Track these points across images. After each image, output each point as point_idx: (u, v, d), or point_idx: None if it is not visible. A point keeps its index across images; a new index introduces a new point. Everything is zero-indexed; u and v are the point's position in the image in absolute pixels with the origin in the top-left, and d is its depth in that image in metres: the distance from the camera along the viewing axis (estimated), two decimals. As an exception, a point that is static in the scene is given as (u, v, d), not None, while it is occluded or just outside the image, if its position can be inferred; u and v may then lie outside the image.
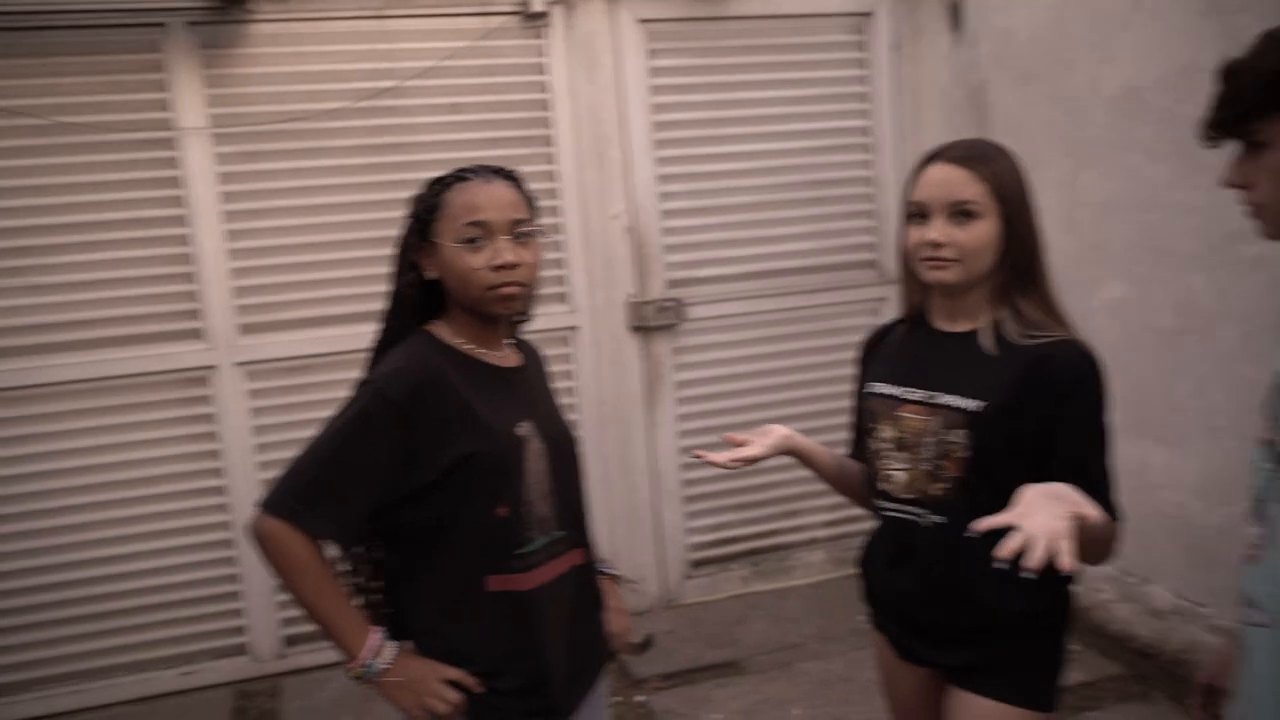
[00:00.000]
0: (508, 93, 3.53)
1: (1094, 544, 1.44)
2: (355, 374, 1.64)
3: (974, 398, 1.58)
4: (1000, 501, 1.51)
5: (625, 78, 3.61)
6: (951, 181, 1.60)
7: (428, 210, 1.57)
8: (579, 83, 3.57)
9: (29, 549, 3.28)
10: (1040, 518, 1.26)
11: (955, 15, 3.71)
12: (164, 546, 3.40)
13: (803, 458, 1.88)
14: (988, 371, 1.59)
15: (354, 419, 1.50)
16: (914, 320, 1.76)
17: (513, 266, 1.52)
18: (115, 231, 3.26)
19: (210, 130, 3.27)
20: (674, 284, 3.77)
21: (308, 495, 1.48)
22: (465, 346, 1.59)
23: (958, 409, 1.59)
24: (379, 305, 1.70)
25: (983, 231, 1.58)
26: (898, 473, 1.67)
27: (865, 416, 1.76)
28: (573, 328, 3.65)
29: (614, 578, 1.81)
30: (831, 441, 3.88)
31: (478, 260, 1.52)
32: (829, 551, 4.04)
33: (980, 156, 1.61)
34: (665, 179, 3.71)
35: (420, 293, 1.60)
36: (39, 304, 3.22)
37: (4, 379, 3.20)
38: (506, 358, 1.65)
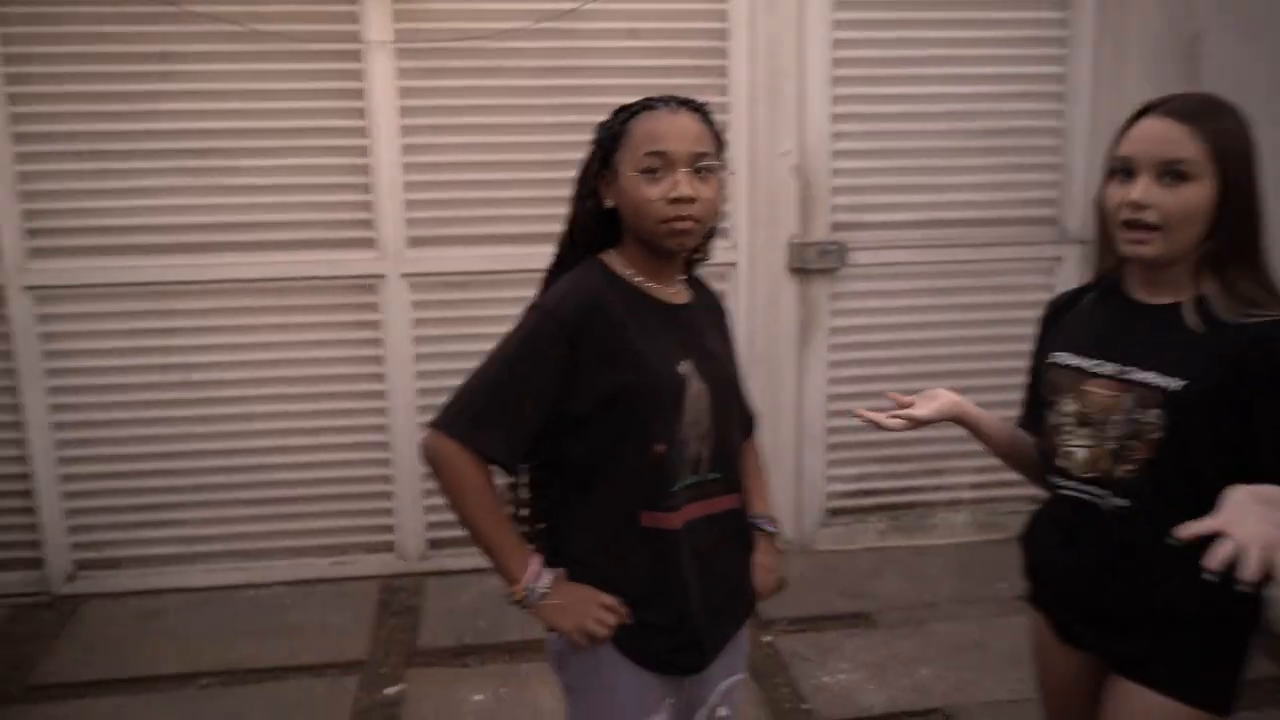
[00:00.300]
0: (685, 20, 3.46)
1: None
2: (515, 293, 1.66)
3: (1174, 376, 1.47)
4: (1192, 489, 1.43)
5: (807, 11, 3.48)
6: (1165, 137, 1.46)
7: (611, 137, 1.56)
8: (759, 13, 3.47)
9: (204, 433, 3.51)
10: (1252, 525, 1.16)
11: (1174, -44, 3.42)
12: (325, 443, 3.58)
13: (971, 427, 1.81)
14: (1191, 349, 1.48)
15: (522, 342, 1.52)
16: (1106, 287, 1.65)
17: (689, 201, 1.49)
18: (300, 139, 3.38)
19: (395, 45, 3.34)
20: (838, 227, 3.67)
21: (477, 416, 1.51)
22: (635, 279, 1.58)
23: (1154, 387, 1.49)
24: (543, 227, 1.71)
25: (1193, 196, 1.44)
26: (1079, 450, 1.58)
27: (1046, 388, 1.66)
28: (731, 264, 3.61)
29: (768, 534, 1.78)
30: (991, 404, 3.75)
31: (654, 191, 1.49)
32: (973, 514, 3.93)
33: (1203, 112, 1.47)
34: (839, 118, 3.59)
35: (597, 220, 1.60)
36: (225, 204, 3.39)
37: (190, 273, 3.40)
38: (676, 294, 1.63)
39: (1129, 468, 1.52)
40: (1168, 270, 1.52)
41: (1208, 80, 3.28)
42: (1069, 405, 1.60)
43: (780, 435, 3.75)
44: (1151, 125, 1.49)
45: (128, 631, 3.33)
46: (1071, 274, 3.75)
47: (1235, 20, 3.19)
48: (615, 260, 1.60)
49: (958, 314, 3.78)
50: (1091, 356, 1.59)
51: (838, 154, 3.61)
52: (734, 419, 1.68)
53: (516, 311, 1.58)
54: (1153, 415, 1.49)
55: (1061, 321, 1.71)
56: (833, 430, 3.81)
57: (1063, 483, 1.62)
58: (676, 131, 1.50)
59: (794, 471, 3.81)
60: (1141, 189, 1.47)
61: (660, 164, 1.49)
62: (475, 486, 1.52)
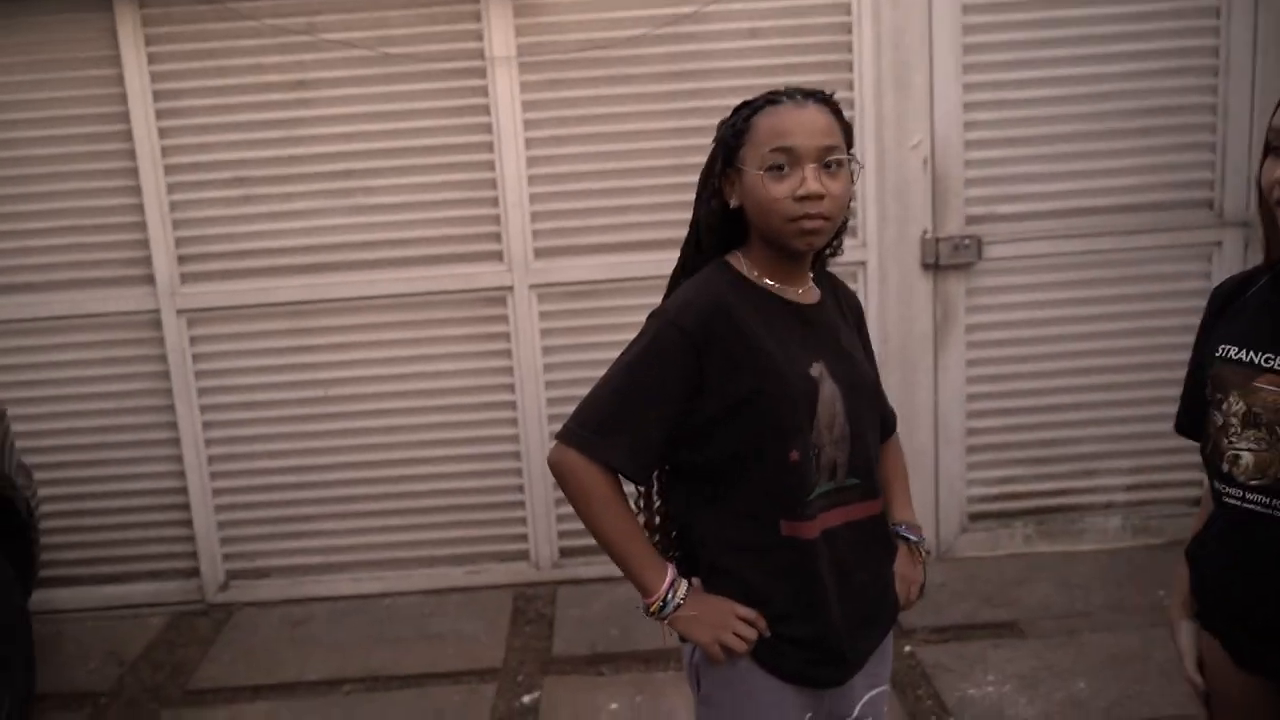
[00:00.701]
0: (807, 16, 3.39)
1: None
2: (641, 300, 1.63)
3: None
4: None
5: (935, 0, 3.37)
6: None
7: (735, 134, 1.50)
8: (883, 3, 3.37)
9: (344, 445, 3.62)
10: None
11: (1340, -88, 3.16)
12: (459, 454, 3.64)
13: None
14: None
15: (645, 350, 1.49)
16: (1278, 272, 1.48)
17: (819, 198, 1.43)
18: (430, 157, 3.46)
19: (518, 59, 3.38)
20: (973, 220, 3.52)
21: (602, 426, 1.48)
22: (763, 280, 1.53)
23: None
24: (666, 233, 1.68)
25: None
26: (1245, 453, 1.42)
27: (1210, 385, 1.51)
28: (861, 262, 3.51)
29: (910, 542, 1.69)
30: (1144, 401, 3.58)
31: (781, 189, 1.43)
32: (1127, 517, 3.71)
33: None
34: (972, 106, 3.44)
35: (723, 221, 1.55)
36: (361, 223, 3.49)
37: (329, 290, 3.51)
38: (806, 294, 1.56)
39: None
40: None
41: (1383, 43, 3.01)
42: (1236, 404, 1.44)
43: (917, 437, 3.62)
44: None
45: (277, 639, 3.45)
46: (1232, 260, 3.51)
47: None
48: (741, 262, 1.54)
49: (1104, 307, 3.57)
50: (1263, 350, 1.43)
51: (970, 144, 3.47)
52: (872, 422, 1.61)
53: (642, 319, 1.55)
54: None
55: (1228, 311, 1.55)
56: (972, 431, 3.66)
57: (1229, 490, 1.46)
58: (803, 125, 1.44)
59: (932, 475, 3.67)
60: None
61: (786, 160, 1.43)
62: (603, 498, 1.49)
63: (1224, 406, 1.47)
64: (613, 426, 1.48)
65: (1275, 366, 1.41)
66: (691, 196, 1.60)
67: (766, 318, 1.50)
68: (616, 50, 3.37)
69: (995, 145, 3.48)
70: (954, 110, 3.44)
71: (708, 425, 1.48)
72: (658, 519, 1.63)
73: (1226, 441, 1.46)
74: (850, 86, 3.41)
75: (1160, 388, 3.57)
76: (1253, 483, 1.42)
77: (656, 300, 1.60)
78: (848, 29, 3.39)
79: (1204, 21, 3.41)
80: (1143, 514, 3.70)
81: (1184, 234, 3.54)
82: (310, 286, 3.51)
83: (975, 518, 3.73)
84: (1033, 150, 3.48)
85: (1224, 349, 1.49)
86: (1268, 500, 1.40)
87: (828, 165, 1.44)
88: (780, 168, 1.43)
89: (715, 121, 1.58)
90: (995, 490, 3.72)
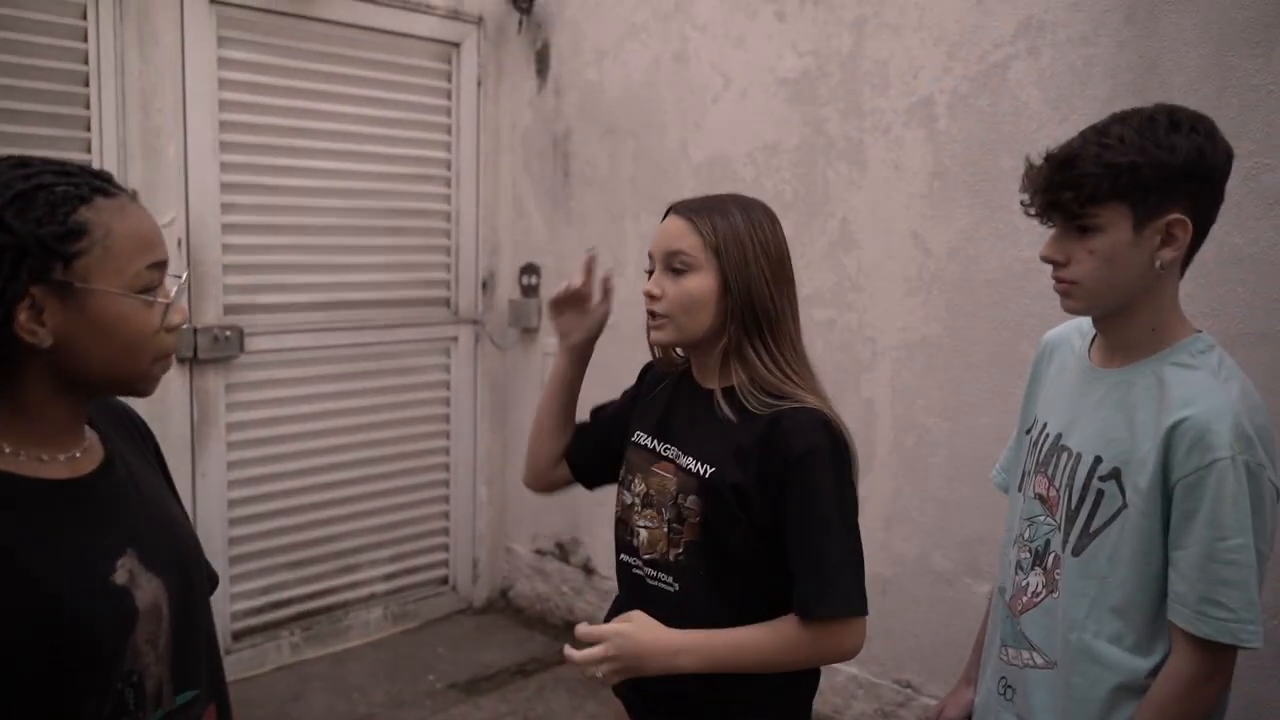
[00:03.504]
0: (34, 55, 2.76)
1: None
2: None
3: (706, 463, 1.50)
4: (732, 576, 1.50)
5: (189, 64, 3.03)
6: (671, 232, 1.52)
7: (64, 236, 1.00)
8: (130, 59, 2.92)
9: None
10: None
11: (541, 61, 3.73)
12: None
13: (579, 364, 1.75)
14: (723, 436, 1.50)
15: None
16: (682, 369, 1.67)
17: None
18: None
19: None
20: (232, 309, 3.24)
21: None
22: (18, 459, 1.04)
23: (692, 472, 1.51)
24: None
25: (693, 286, 1.49)
26: (644, 530, 1.57)
27: (624, 467, 1.64)
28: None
29: None
30: (403, 490, 3.66)
31: (156, 318, 1.07)
32: (387, 607, 3.75)
33: (708, 209, 1.52)
34: (230, 188, 3.18)
35: None
36: None
37: None
38: (86, 456, 1.11)
39: (678, 551, 1.52)
40: (703, 357, 1.57)
41: (577, 174, 3.63)
42: (639, 485, 1.59)
43: (175, 556, 3.15)
44: (665, 222, 1.56)
45: None
46: (465, 354, 3.83)
47: (596, 125, 3.57)
48: None
49: (362, 400, 3.59)
50: (659, 438, 1.60)
51: (229, 228, 3.20)
52: (205, 605, 1.21)
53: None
54: (692, 501, 1.50)
55: (643, 401, 1.70)
56: (235, 540, 3.34)
57: (632, 562, 1.60)
58: (158, 233, 1.11)
59: (192, 596, 3.22)
60: (653, 280, 1.54)
61: (159, 280, 1.08)
62: None
63: (632, 487, 1.61)
64: None
65: (668, 455, 1.57)
66: None
67: (32, 519, 1.03)
68: None
69: (254, 231, 3.27)
70: (211, 189, 3.14)
71: None
72: None
73: (632, 519, 1.60)
74: (88, 149, 2.88)
75: (412, 475, 3.70)
76: (647, 557, 1.57)
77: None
78: (85, 80, 2.87)
79: (440, 136, 3.70)
80: (400, 600, 3.78)
81: (427, 329, 3.75)
82: None
83: (240, 635, 3.38)
84: (292, 240, 3.36)
85: (637, 434, 1.64)
86: (658, 574, 1.55)
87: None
88: (152, 290, 1.08)
89: None
90: (260, 601, 3.43)
